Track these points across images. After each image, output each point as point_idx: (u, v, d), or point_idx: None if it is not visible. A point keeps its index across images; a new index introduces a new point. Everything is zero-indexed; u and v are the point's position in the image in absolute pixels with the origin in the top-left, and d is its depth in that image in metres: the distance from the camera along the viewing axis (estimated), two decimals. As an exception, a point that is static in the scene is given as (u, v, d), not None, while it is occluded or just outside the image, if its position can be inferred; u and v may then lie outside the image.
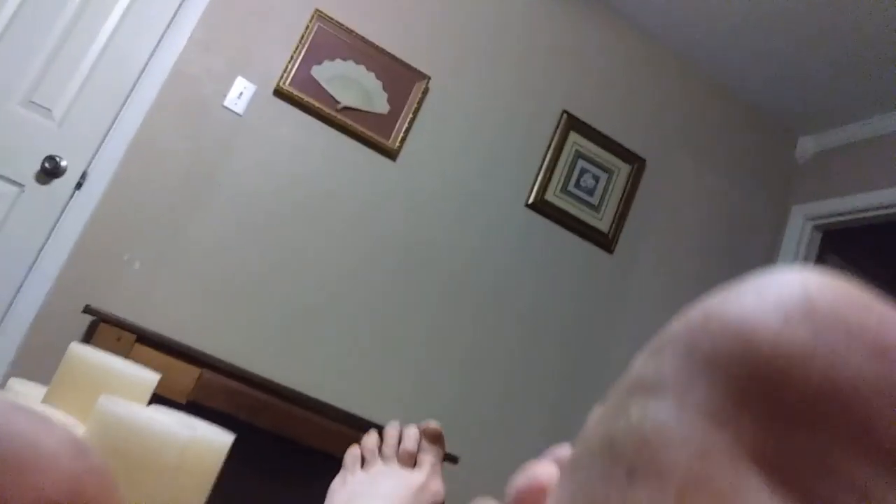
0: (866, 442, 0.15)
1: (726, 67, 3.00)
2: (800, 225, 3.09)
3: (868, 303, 0.17)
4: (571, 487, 0.18)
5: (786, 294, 0.17)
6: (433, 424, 0.87)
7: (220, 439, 0.75)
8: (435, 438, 0.87)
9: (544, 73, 2.81)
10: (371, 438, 0.88)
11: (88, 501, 0.09)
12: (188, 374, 1.92)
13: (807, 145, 3.22)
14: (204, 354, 2.01)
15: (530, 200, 2.74)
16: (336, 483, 0.83)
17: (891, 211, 2.76)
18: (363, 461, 0.86)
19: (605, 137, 2.86)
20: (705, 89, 3.09)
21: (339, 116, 2.46)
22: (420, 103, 2.57)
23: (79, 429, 0.63)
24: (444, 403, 2.51)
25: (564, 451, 0.24)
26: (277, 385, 2.11)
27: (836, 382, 0.15)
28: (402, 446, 0.85)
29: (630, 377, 0.19)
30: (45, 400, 0.72)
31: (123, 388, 0.70)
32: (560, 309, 2.74)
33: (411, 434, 0.86)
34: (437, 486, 0.80)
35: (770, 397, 0.16)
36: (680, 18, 2.84)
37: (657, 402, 0.17)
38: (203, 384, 1.92)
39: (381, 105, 2.53)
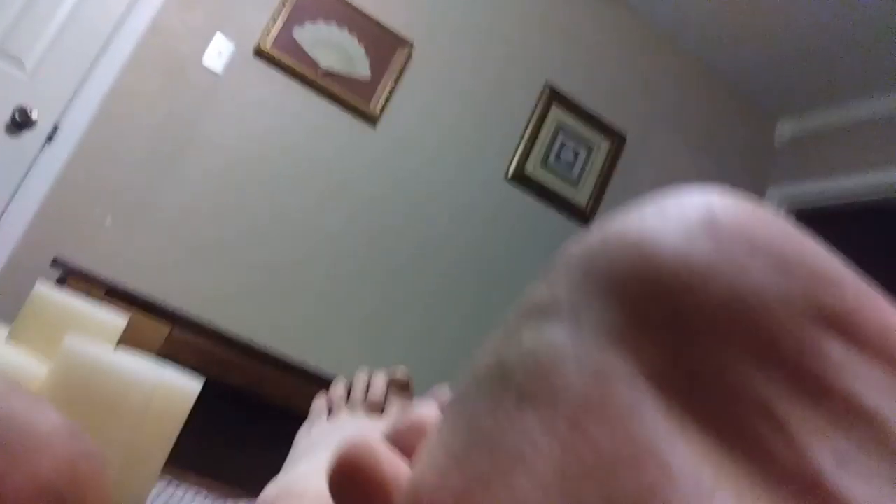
0: (771, 357, 0.14)
1: (711, 47, 3.01)
2: (775, 206, 3.12)
3: (771, 219, 0.16)
4: (455, 419, 0.16)
5: (687, 210, 0.16)
6: (401, 373, 0.87)
7: (188, 385, 0.74)
8: (402, 387, 0.86)
9: (528, 44, 2.79)
10: (338, 387, 0.88)
11: (81, 483, 0.09)
12: (158, 331, 1.90)
13: (785, 128, 3.25)
14: (175, 311, 1.99)
15: (510, 173, 2.73)
16: (301, 432, 0.83)
17: (866, 195, 2.79)
18: (330, 411, 0.85)
19: (587, 112, 2.86)
20: (689, 69, 3.10)
21: (320, 80, 2.43)
22: (402, 70, 2.54)
23: (42, 369, 0.62)
24: (415, 369, 2.52)
25: (446, 392, 0.22)
26: (248, 344, 2.09)
27: (739, 295, 0.15)
28: (368, 395, 0.84)
29: (521, 302, 0.18)
30: (9, 338, 0.71)
31: (90, 331, 0.69)
32: (534, 280, 2.75)
33: (378, 383, 0.85)
34: None
35: (669, 313, 0.15)
36: (666, -4, 2.83)
37: (551, 325, 0.16)
38: (173, 340, 1.90)
39: (363, 70, 2.50)
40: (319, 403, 0.86)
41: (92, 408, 0.61)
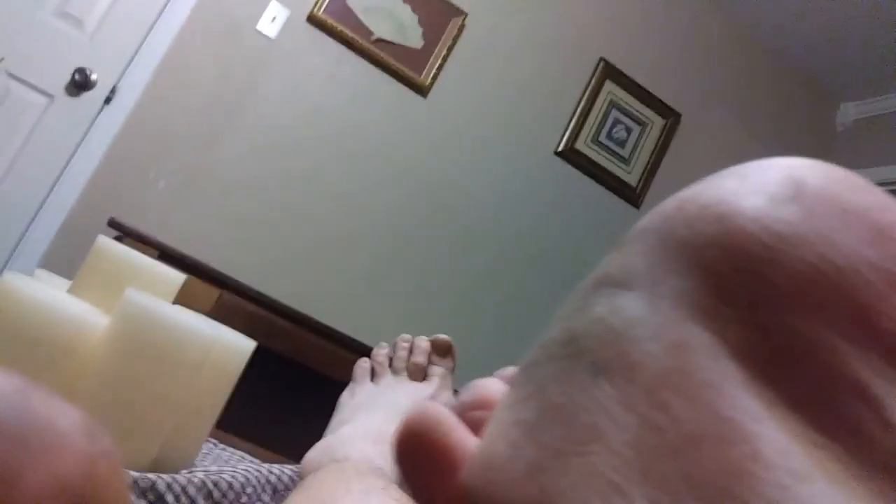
0: (867, 332, 0.13)
1: (773, 26, 2.92)
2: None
3: (861, 184, 0.15)
4: (526, 391, 0.16)
5: (772, 176, 0.15)
6: (443, 337, 0.86)
7: (243, 343, 0.75)
8: (445, 351, 0.86)
9: (584, 17, 2.74)
10: (382, 351, 0.88)
11: (100, 482, 0.09)
12: (208, 294, 1.93)
13: (848, 111, 3.15)
14: (225, 275, 2.02)
15: (560, 148, 2.70)
16: (345, 395, 0.83)
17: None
18: (373, 374, 0.85)
19: (642, 88, 2.81)
20: (749, 47, 3.01)
21: (372, 48, 2.42)
22: (455, 40, 2.52)
23: (103, 320, 0.63)
24: (458, 343, 2.52)
25: (510, 370, 0.22)
26: (294, 311, 2.12)
27: (832, 265, 0.14)
28: (411, 359, 0.84)
29: (593, 275, 0.17)
30: (71, 290, 0.72)
31: (149, 285, 0.70)
32: (579, 259, 2.72)
33: (422, 346, 0.85)
34: (446, 398, 0.79)
35: (755, 284, 0.14)
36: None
37: (626, 296, 0.15)
38: (222, 304, 1.93)
39: (415, 39, 2.49)
40: (363, 366, 0.86)
41: (150, 360, 0.62)
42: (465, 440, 0.17)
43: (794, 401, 0.13)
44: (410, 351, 0.86)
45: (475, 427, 0.18)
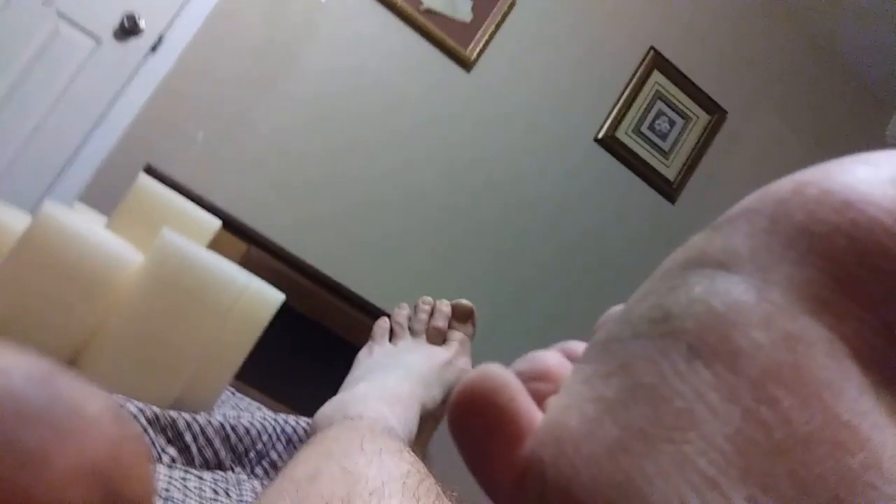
0: None
1: (830, 27, 2.85)
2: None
3: None
4: (607, 367, 0.15)
5: None
6: (465, 302, 0.86)
7: (272, 293, 0.75)
8: (466, 317, 0.86)
9: (638, 4, 2.70)
10: (402, 312, 0.87)
11: (126, 465, 0.09)
12: (236, 248, 1.95)
13: (898, 123, 3.08)
14: (254, 231, 2.04)
15: (600, 135, 2.67)
16: (362, 353, 0.83)
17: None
18: (392, 334, 0.85)
19: (689, 82, 2.76)
20: (803, 47, 2.95)
21: (420, 18, 2.41)
22: (505, 17, 2.50)
23: (138, 257, 0.63)
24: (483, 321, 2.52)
25: (577, 345, 0.21)
26: (320, 272, 2.13)
27: None
28: (431, 322, 0.84)
29: (685, 254, 0.16)
30: (108, 226, 0.73)
31: (186, 227, 0.70)
32: (609, 248, 2.71)
33: (443, 310, 0.85)
34: (463, 363, 0.79)
35: (885, 281, 0.13)
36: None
37: (730, 279, 0.14)
38: (249, 259, 1.95)
39: (464, 12, 2.46)
40: (382, 326, 0.86)
41: (182, 300, 0.63)
42: (531, 409, 0.16)
43: None
44: (431, 314, 0.86)
45: (535, 399, 0.17)
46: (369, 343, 0.84)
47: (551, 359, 0.19)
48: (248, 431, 0.67)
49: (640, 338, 0.14)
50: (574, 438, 0.14)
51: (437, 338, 0.82)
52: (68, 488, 0.08)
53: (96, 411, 0.09)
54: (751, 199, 0.16)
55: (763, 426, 0.12)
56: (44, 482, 0.08)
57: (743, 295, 0.14)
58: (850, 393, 0.12)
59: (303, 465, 0.41)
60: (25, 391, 0.09)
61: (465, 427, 0.16)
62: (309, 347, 2.21)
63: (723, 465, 0.12)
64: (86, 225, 0.62)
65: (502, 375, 0.16)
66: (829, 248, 0.13)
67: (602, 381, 0.14)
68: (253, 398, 0.95)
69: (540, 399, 0.17)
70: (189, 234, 0.68)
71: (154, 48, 2.23)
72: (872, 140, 3.09)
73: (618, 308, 0.19)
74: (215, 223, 0.79)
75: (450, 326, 0.84)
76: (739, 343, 0.13)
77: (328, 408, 0.64)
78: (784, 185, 0.15)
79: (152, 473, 0.10)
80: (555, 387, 0.17)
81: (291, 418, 0.76)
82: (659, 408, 0.13)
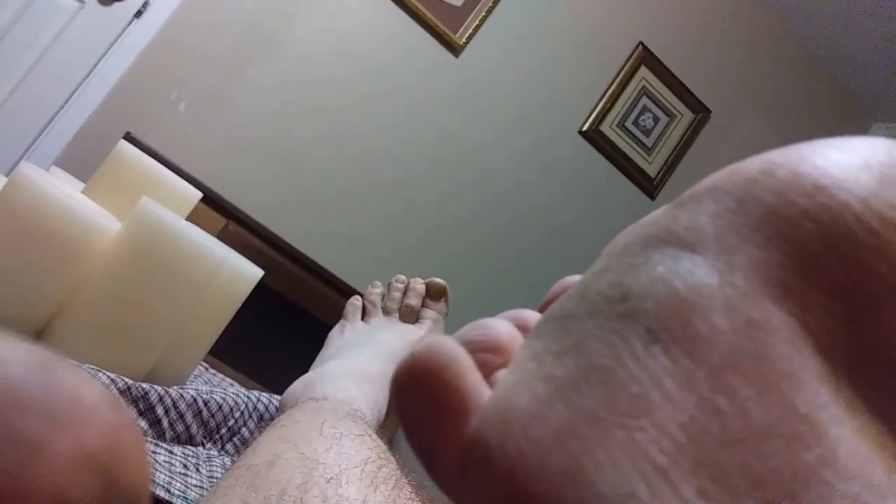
0: None
1: (818, 35, 2.88)
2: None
3: None
4: (559, 344, 0.14)
5: (882, 154, 0.13)
6: (439, 280, 0.86)
7: (251, 269, 0.74)
8: (439, 295, 0.85)
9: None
10: (375, 290, 0.87)
11: (124, 454, 0.10)
12: (214, 222, 1.93)
13: (879, 133, 3.12)
14: (233, 206, 2.02)
15: (584, 128, 2.68)
16: (334, 332, 0.82)
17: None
18: (365, 312, 0.84)
19: (676, 79, 2.77)
20: (790, 52, 2.97)
21: (411, -1, 2.39)
22: (496, 2, 2.48)
23: (115, 225, 0.62)
24: (454, 303, 2.53)
25: (530, 315, 0.20)
26: (297, 251, 2.12)
27: None
28: (405, 300, 0.83)
29: (647, 230, 0.15)
30: (86, 192, 0.71)
31: (166, 197, 0.69)
32: (588, 240, 2.72)
33: (416, 288, 0.84)
34: None
35: (854, 271, 0.12)
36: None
37: (693, 259, 0.13)
38: (227, 234, 1.93)
39: (456, -4, 2.45)
40: (354, 304, 0.86)
41: (158, 271, 0.62)
42: (479, 387, 0.15)
43: (880, 408, 0.12)
44: (404, 293, 0.86)
45: (483, 373, 0.16)
46: (341, 321, 0.84)
47: (502, 329, 0.18)
48: (220, 407, 0.66)
49: (596, 316, 0.14)
50: (522, 419, 0.13)
51: (410, 316, 0.82)
52: (67, 475, 0.08)
53: (93, 400, 0.10)
54: (718, 177, 0.15)
55: (718, 416, 0.12)
56: (43, 470, 0.08)
57: (706, 278, 0.13)
58: (809, 385, 0.12)
59: (261, 450, 0.40)
60: (23, 380, 0.09)
61: (409, 405, 0.15)
62: (284, 326, 2.20)
63: (674, 455, 0.12)
64: (63, 189, 0.61)
65: (450, 348, 0.15)
66: (797, 232, 0.13)
67: (554, 360, 0.14)
68: (226, 374, 0.94)
69: (488, 372, 0.16)
70: (168, 204, 0.66)
71: (139, 14, 2.19)
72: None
73: (572, 279, 0.18)
74: (195, 194, 0.78)
75: (423, 305, 0.84)
76: (699, 328, 0.13)
77: (297, 385, 0.64)
78: (753, 164, 0.14)
79: (148, 461, 0.10)
80: (504, 360, 0.16)
81: (264, 396, 0.75)
82: (612, 392, 0.12)
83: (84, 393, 0.10)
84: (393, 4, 2.39)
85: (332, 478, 0.35)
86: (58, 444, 0.09)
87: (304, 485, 0.35)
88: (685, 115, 2.81)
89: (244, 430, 0.69)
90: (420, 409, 0.15)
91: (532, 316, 0.20)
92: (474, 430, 0.14)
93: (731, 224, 0.14)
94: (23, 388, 0.09)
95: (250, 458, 0.39)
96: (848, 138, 0.14)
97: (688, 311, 0.13)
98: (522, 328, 0.19)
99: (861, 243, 0.12)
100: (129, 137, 1.98)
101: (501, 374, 0.15)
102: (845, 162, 0.13)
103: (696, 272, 0.13)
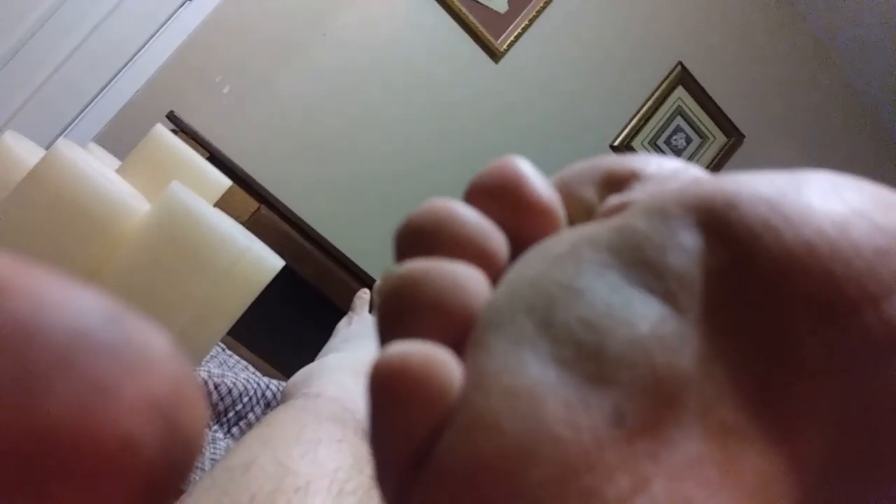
0: None
1: (860, 66, 2.84)
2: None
3: None
4: (515, 381, 0.12)
5: (872, 201, 0.12)
6: None
7: (272, 259, 0.76)
8: None
9: (671, 17, 2.69)
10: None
11: (184, 403, 0.10)
12: (247, 205, 1.97)
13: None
14: (266, 191, 2.05)
15: (615, 142, 2.68)
16: (341, 323, 0.83)
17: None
18: (373, 305, 0.85)
19: (712, 101, 2.76)
20: (830, 85, 2.94)
21: (456, 2, 2.40)
22: (539, 13, 2.49)
23: (144, 206, 0.65)
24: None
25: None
26: (327, 240, 2.15)
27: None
28: None
29: (626, 241, 0.13)
30: (120, 171, 0.74)
31: (195, 183, 0.72)
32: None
33: None
34: None
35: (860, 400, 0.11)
36: (833, 4, 2.68)
37: (678, 321, 0.12)
38: (259, 218, 1.97)
39: (500, 3, 2.46)
40: (362, 297, 0.87)
41: (182, 253, 0.65)
42: (441, 399, 0.13)
43: None
44: None
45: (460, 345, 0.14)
46: (349, 313, 0.85)
47: (474, 287, 0.15)
48: (230, 391, 0.69)
49: (566, 368, 0.12)
50: (467, 484, 0.12)
51: None
52: (134, 419, 0.09)
53: (160, 349, 0.10)
54: (717, 203, 0.13)
55: None
56: (113, 413, 0.09)
57: (688, 359, 0.12)
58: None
59: (241, 450, 0.41)
60: (97, 328, 0.09)
61: (377, 409, 0.13)
62: (308, 312, 2.22)
63: None
64: (96, 167, 0.63)
65: (423, 348, 0.13)
66: (789, 319, 0.12)
67: (499, 402, 0.12)
68: (243, 356, 0.96)
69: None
70: (199, 189, 0.69)
71: (190, -3, 2.24)
72: (889, 182, 3.08)
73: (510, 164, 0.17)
74: (225, 182, 0.80)
75: None
76: (669, 426, 0.11)
77: (297, 378, 0.65)
78: (761, 203, 0.13)
79: (206, 415, 0.11)
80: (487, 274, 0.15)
81: (273, 383, 0.78)
82: (564, 481, 0.11)
83: (152, 342, 0.10)
84: (437, 5, 2.41)
85: (300, 487, 0.36)
86: (127, 390, 0.09)
87: (273, 492, 0.35)
88: (718, 138, 2.79)
89: (251, 416, 0.71)
90: (382, 412, 0.13)
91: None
92: (437, 448, 0.12)
93: (727, 291, 0.12)
94: (96, 335, 0.09)
95: (230, 458, 0.40)
96: (848, 190, 0.13)
97: (663, 403, 0.11)
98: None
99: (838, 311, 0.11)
100: (171, 116, 2.03)
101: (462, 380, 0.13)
102: (838, 235, 0.12)
103: (679, 349, 0.12)
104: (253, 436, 0.43)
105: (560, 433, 0.11)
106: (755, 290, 0.12)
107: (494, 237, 0.16)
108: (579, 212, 0.16)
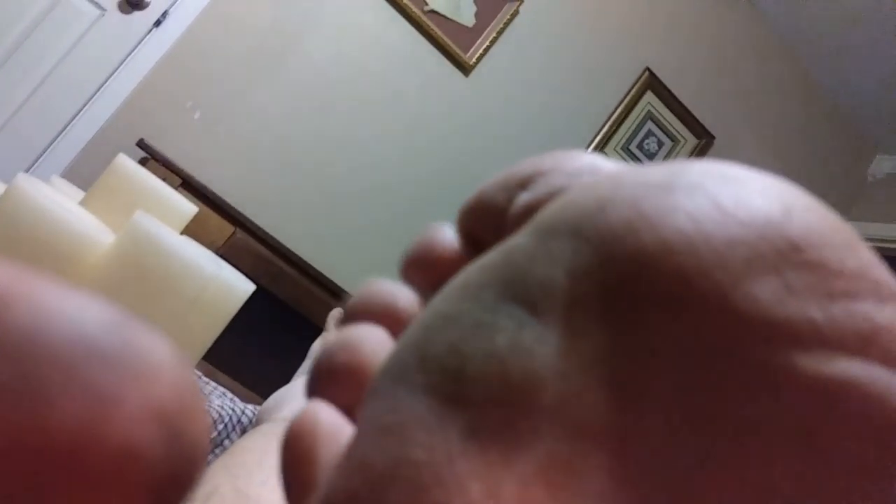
0: None
1: (824, 64, 2.89)
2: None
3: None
4: (388, 421, 0.12)
5: (759, 225, 0.12)
6: None
7: (241, 285, 0.76)
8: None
9: (637, 24, 2.72)
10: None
11: (187, 409, 0.10)
12: (222, 230, 1.96)
13: (882, 164, 3.12)
14: (241, 214, 2.05)
15: (588, 150, 2.69)
16: (316, 344, 0.84)
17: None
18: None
19: (681, 105, 2.79)
20: (797, 81, 2.98)
21: (424, 18, 2.42)
22: (507, 25, 2.51)
23: (108, 238, 0.64)
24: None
25: (398, 301, 0.18)
26: (303, 261, 2.14)
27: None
28: None
29: (510, 266, 0.13)
30: (83, 203, 0.74)
31: (161, 212, 0.71)
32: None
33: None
34: None
35: (702, 376, 0.11)
36: (796, 5, 2.72)
37: (536, 330, 0.12)
38: (234, 242, 1.96)
39: (468, 17, 2.48)
40: (336, 315, 0.87)
41: (148, 284, 0.64)
42: (326, 456, 0.14)
43: None
44: None
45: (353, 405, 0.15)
46: (324, 333, 0.85)
47: (400, 296, 0.17)
48: (202, 417, 0.68)
49: (430, 392, 0.12)
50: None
51: None
52: (138, 427, 0.09)
53: (163, 357, 0.10)
54: (588, 210, 0.13)
55: None
56: (116, 421, 0.09)
57: (545, 363, 0.12)
58: None
59: (206, 479, 0.41)
60: (99, 336, 0.09)
61: (284, 481, 0.15)
62: (286, 334, 2.21)
63: None
64: (57, 201, 0.63)
65: (311, 418, 0.15)
66: (646, 321, 0.11)
67: (375, 441, 0.12)
68: (221, 383, 0.96)
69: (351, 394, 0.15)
70: (164, 218, 0.69)
71: (158, 23, 2.23)
72: (854, 179, 3.12)
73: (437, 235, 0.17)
74: (191, 210, 0.80)
75: None
76: (521, 430, 0.11)
77: (269, 402, 0.65)
78: (624, 204, 0.12)
79: (209, 418, 0.11)
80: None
81: (249, 408, 0.77)
82: (415, 498, 0.11)
83: (155, 350, 0.10)
84: (405, 22, 2.42)
85: None
86: (130, 398, 0.09)
87: None
88: (689, 141, 2.83)
89: (226, 442, 0.70)
90: (284, 479, 0.15)
91: (402, 299, 0.18)
92: None
93: (584, 291, 0.12)
94: (99, 343, 0.09)
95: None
96: (744, 179, 0.13)
97: (515, 407, 0.11)
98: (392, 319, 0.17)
99: (711, 343, 0.11)
100: (141, 144, 2.02)
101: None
102: (720, 231, 0.12)
103: (536, 353, 0.12)
104: (217, 464, 0.43)
105: (416, 456, 0.11)
106: (611, 290, 0.12)
107: (401, 299, 0.17)
108: (499, 222, 0.16)
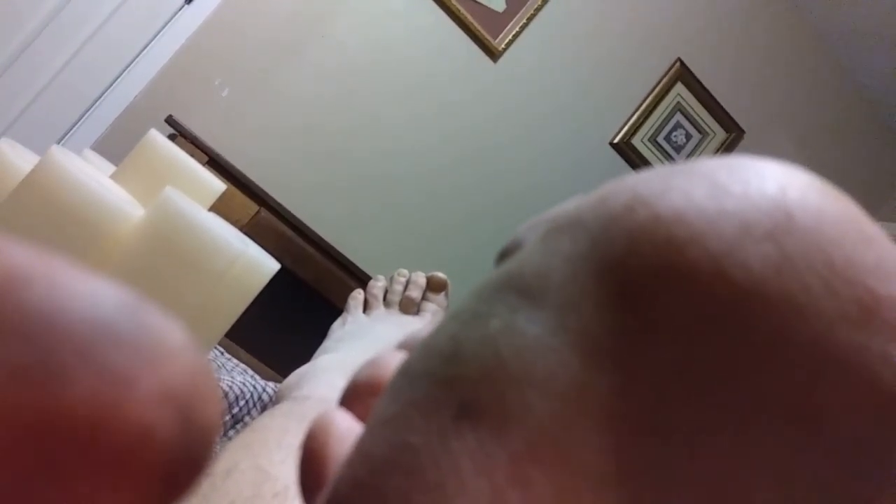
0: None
1: (860, 59, 2.84)
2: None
3: (870, 233, 0.12)
4: (391, 411, 0.13)
5: (753, 197, 0.12)
6: (440, 274, 0.87)
7: (267, 263, 0.77)
8: (440, 288, 0.86)
9: (670, 14, 2.69)
10: (378, 283, 0.88)
11: (200, 394, 0.10)
12: (246, 208, 1.97)
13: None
14: (266, 193, 2.05)
15: (615, 139, 2.68)
16: (336, 324, 0.84)
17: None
18: (366, 305, 0.86)
19: (711, 97, 2.76)
20: (828, 77, 2.93)
21: (454, 1, 2.41)
22: (537, 11, 2.49)
23: (138, 211, 0.65)
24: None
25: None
26: (326, 242, 2.15)
27: (825, 349, 0.11)
28: (406, 292, 0.85)
29: (508, 268, 0.14)
30: (114, 176, 0.74)
31: (189, 187, 0.72)
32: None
33: (418, 281, 0.86)
34: None
35: (688, 353, 0.11)
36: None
37: (529, 313, 0.12)
38: (258, 221, 1.97)
39: (498, 2, 2.46)
40: (357, 298, 0.88)
41: (176, 259, 0.65)
42: (337, 454, 0.15)
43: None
44: (406, 286, 0.87)
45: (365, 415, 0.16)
46: (343, 314, 0.86)
47: (390, 364, 0.18)
48: (225, 394, 0.69)
49: (426, 378, 0.13)
50: (339, 499, 0.12)
51: (410, 307, 0.84)
52: (152, 410, 0.09)
53: (178, 341, 0.10)
54: (587, 205, 0.13)
55: None
56: (131, 404, 0.09)
57: (535, 340, 0.12)
58: (608, 492, 0.11)
59: (225, 456, 0.41)
60: (116, 318, 0.09)
61: (301, 484, 0.16)
62: (307, 314, 2.23)
63: None
64: (90, 172, 0.64)
65: (325, 418, 0.16)
66: (638, 293, 0.11)
67: (378, 432, 0.13)
68: (242, 360, 0.97)
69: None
70: (193, 194, 0.69)
71: (189, 1, 2.24)
72: (884, 175, 3.08)
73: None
74: (219, 187, 0.80)
75: (424, 298, 0.85)
76: (511, 404, 0.11)
77: (290, 380, 0.65)
78: (621, 193, 0.13)
79: (222, 402, 0.11)
80: None
81: (270, 385, 0.78)
82: (414, 479, 0.11)
83: (168, 332, 0.10)
84: (435, 5, 2.41)
85: (278, 492, 0.36)
86: (145, 381, 0.09)
87: (252, 498, 0.35)
88: (718, 134, 2.79)
89: (247, 419, 0.71)
90: (301, 482, 0.16)
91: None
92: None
93: (578, 272, 0.12)
94: (115, 325, 0.09)
95: (214, 464, 0.40)
96: (731, 165, 0.13)
97: (505, 383, 0.12)
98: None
99: (702, 316, 0.11)
100: (170, 120, 2.03)
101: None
102: (714, 207, 0.12)
103: (527, 332, 0.12)
104: (237, 442, 0.43)
105: (413, 440, 0.12)
106: (604, 266, 0.12)
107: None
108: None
